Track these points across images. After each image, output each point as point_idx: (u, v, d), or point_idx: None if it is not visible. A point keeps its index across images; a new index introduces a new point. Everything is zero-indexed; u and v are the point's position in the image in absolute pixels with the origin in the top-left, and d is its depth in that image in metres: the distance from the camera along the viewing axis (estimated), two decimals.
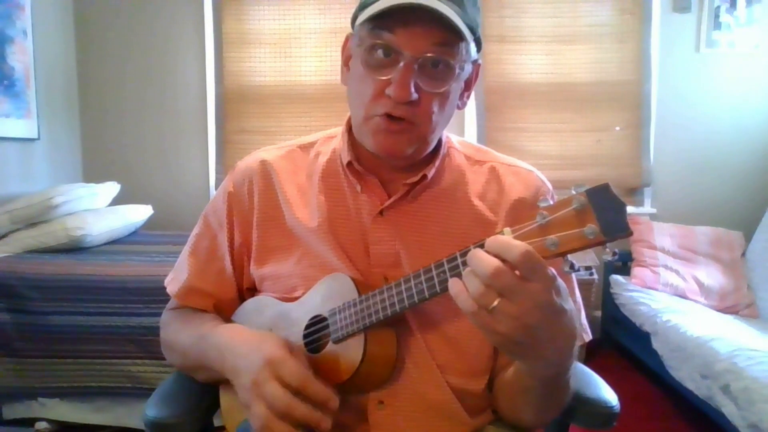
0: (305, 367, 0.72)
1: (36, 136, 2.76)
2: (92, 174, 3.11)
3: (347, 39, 0.87)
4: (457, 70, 0.78)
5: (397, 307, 0.73)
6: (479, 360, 0.85)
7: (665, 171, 3.06)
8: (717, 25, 2.95)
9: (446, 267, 0.67)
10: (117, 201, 2.82)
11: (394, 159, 0.82)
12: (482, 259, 0.58)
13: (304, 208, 0.88)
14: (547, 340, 0.62)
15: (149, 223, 2.93)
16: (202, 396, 0.91)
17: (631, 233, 0.56)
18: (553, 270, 0.59)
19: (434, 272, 0.69)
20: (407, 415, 0.81)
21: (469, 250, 0.63)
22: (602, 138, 3.05)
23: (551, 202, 0.59)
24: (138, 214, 2.81)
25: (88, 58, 3.13)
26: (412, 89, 0.74)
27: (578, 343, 0.69)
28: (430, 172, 0.85)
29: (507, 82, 3.03)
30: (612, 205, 0.56)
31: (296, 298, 0.85)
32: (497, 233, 0.61)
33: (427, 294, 0.70)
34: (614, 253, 0.57)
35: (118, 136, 3.17)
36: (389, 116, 0.77)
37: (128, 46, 3.12)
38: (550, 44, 3.01)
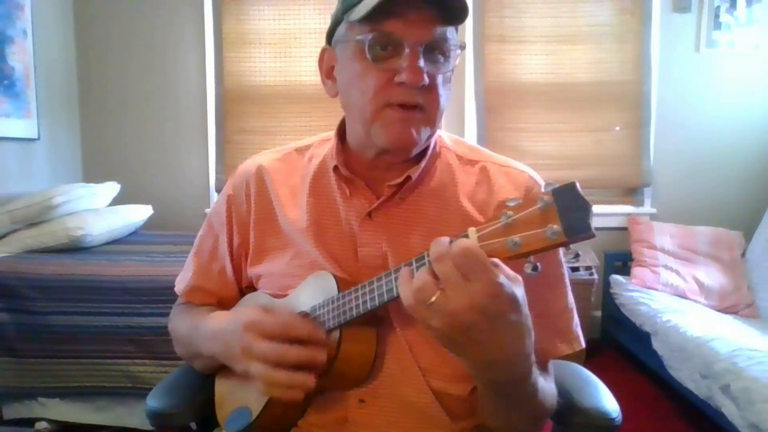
0: (280, 315, 0.77)
1: (36, 136, 2.76)
2: (92, 174, 3.11)
3: (323, 53, 0.88)
4: (457, 50, 0.79)
5: (369, 305, 0.72)
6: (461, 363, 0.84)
7: (665, 171, 3.06)
8: (717, 25, 2.95)
9: (415, 265, 0.65)
10: (117, 201, 2.82)
11: (407, 149, 0.81)
12: (438, 242, 0.59)
13: (294, 209, 0.90)
14: (484, 343, 0.61)
15: (149, 223, 2.93)
16: (202, 388, 0.95)
17: (593, 235, 0.53)
18: (513, 275, 0.59)
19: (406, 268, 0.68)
20: (387, 415, 0.81)
21: None
22: (602, 138, 3.05)
23: (519, 201, 0.57)
24: (138, 214, 2.81)
25: (88, 58, 3.13)
26: (425, 73, 0.75)
27: (533, 353, 0.67)
28: (415, 174, 0.84)
29: (507, 82, 3.03)
30: (576, 204, 0.53)
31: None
32: (462, 235, 0.60)
33: (395, 293, 0.68)
34: (575, 255, 0.54)
35: (118, 136, 3.17)
36: (403, 106, 0.77)
37: (128, 46, 3.12)
38: (550, 44, 3.01)
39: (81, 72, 3.14)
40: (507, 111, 3.05)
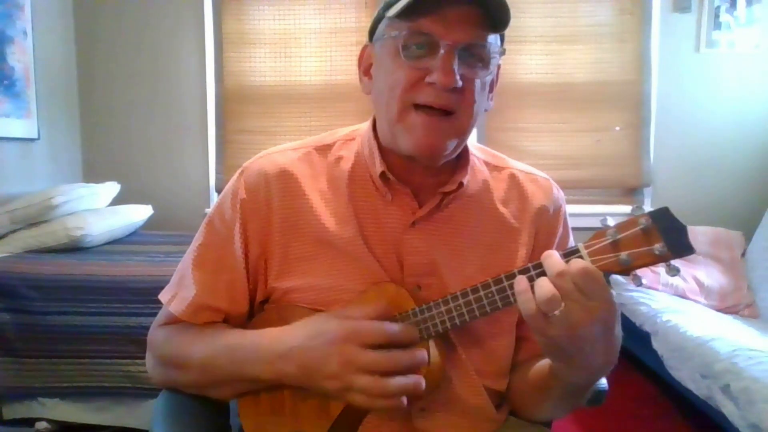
0: (376, 322, 0.72)
1: (36, 136, 2.76)
2: (92, 174, 3.11)
3: (364, 49, 0.86)
4: (496, 57, 0.77)
5: (467, 317, 0.73)
6: (507, 360, 0.87)
7: (665, 171, 3.06)
8: (717, 25, 2.95)
9: (533, 272, 0.68)
10: (117, 201, 2.82)
11: (433, 158, 0.78)
12: (551, 256, 0.64)
13: (331, 217, 0.83)
14: (589, 354, 0.65)
15: (149, 223, 2.93)
16: (212, 414, 0.85)
17: (694, 251, 0.62)
18: (613, 293, 0.64)
19: (506, 283, 0.70)
20: (447, 420, 0.82)
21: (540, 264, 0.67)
22: (602, 138, 3.05)
23: (613, 223, 0.65)
24: (138, 214, 2.81)
25: (88, 58, 3.13)
26: (457, 75, 0.72)
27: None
28: (466, 179, 0.83)
29: (507, 82, 3.02)
30: (675, 226, 0.62)
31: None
32: (572, 249, 0.66)
33: (500, 304, 0.71)
34: (677, 269, 0.63)
35: (118, 136, 3.17)
36: (430, 108, 0.74)
37: (128, 45, 3.12)
38: (550, 44, 3.01)
39: (81, 72, 3.14)
40: (507, 111, 3.04)
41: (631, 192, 3.10)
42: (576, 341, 0.63)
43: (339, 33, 3.01)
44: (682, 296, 2.56)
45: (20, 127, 2.65)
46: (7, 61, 2.55)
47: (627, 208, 0.65)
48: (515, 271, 0.69)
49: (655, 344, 2.25)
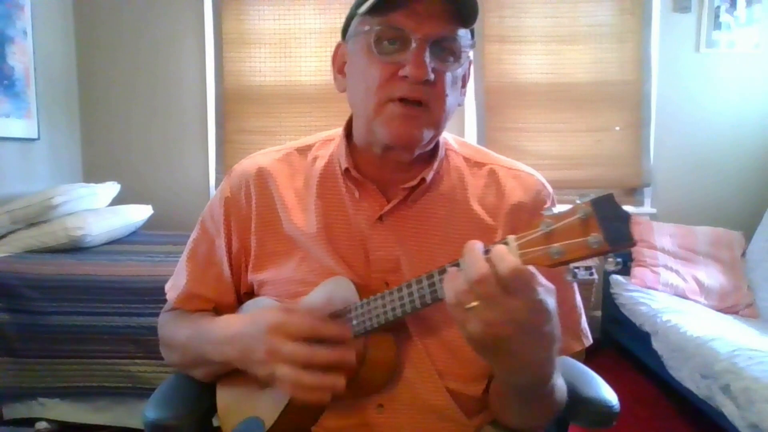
0: (307, 315, 0.74)
1: (36, 136, 2.76)
2: (92, 174, 3.11)
3: (338, 47, 0.88)
4: (467, 51, 0.78)
5: (399, 312, 0.73)
6: (477, 365, 0.83)
7: (665, 171, 3.06)
8: (717, 25, 2.95)
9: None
10: (117, 201, 2.82)
11: (409, 148, 0.80)
12: (474, 262, 0.58)
13: (301, 213, 0.87)
14: (514, 353, 0.62)
15: (149, 223, 2.93)
16: (202, 397, 0.91)
17: (635, 243, 0.55)
18: (548, 285, 0.60)
19: (437, 278, 0.68)
20: (407, 419, 0.81)
21: None
22: (602, 138, 3.05)
23: (554, 211, 0.58)
24: (138, 214, 2.81)
25: (88, 58, 3.13)
26: (429, 68, 0.74)
27: (557, 356, 0.69)
28: (429, 176, 0.83)
29: (507, 82, 3.03)
30: (616, 214, 0.56)
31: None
32: (501, 242, 0.60)
33: (429, 299, 0.69)
34: (617, 263, 0.57)
35: (118, 136, 3.17)
36: (405, 101, 0.75)
37: (128, 45, 3.12)
38: (550, 44, 3.01)
39: (81, 72, 3.14)
40: (507, 111, 3.05)
41: (631, 192, 3.10)
42: (495, 339, 0.60)
43: (339, 33, 3.00)
44: (682, 296, 2.56)
45: (20, 127, 2.65)
46: (7, 61, 2.55)
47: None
48: (446, 266, 0.67)
49: (655, 344, 2.25)
